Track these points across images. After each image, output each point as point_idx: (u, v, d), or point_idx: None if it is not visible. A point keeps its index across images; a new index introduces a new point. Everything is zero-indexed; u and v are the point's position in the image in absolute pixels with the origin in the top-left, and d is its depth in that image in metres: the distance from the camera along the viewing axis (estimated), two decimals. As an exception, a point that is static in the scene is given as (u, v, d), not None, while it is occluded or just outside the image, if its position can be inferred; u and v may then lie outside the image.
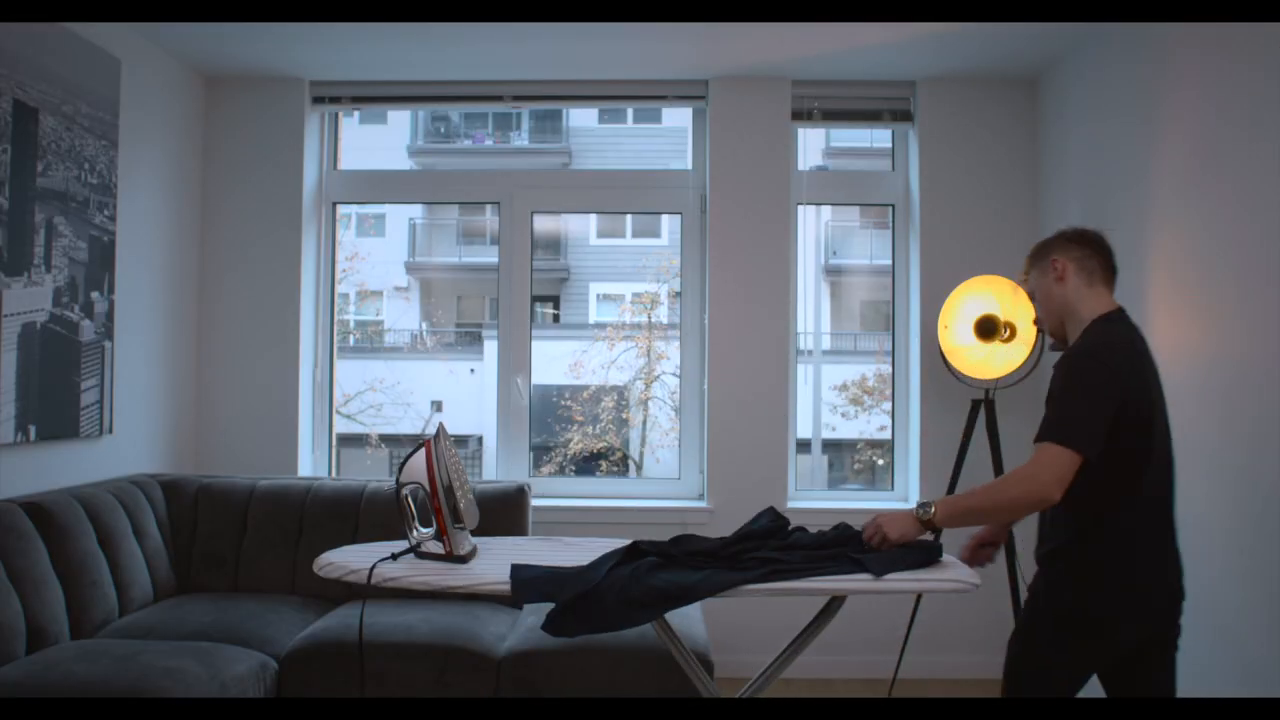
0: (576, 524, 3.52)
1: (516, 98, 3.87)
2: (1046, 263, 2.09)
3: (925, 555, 1.96)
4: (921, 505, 1.95)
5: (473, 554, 2.01)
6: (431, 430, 2.01)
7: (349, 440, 6.27)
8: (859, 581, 1.84)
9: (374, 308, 7.89)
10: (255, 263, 3.74)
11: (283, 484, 3.28)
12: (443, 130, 8.14)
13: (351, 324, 7.53)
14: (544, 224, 4.02)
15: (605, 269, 8.06)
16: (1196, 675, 2.63)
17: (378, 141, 7.29)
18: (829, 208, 4.46)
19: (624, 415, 5.33)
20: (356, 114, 4.21)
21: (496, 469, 3.90)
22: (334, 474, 3.96)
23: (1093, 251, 2.09)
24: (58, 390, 2.89)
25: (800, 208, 3.87)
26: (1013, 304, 3.21)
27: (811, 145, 4.16)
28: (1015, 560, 3.23)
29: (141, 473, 3.32)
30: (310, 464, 3.84)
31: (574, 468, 5.02)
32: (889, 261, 3.95)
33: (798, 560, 1.92)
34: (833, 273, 6.52)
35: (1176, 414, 2.73)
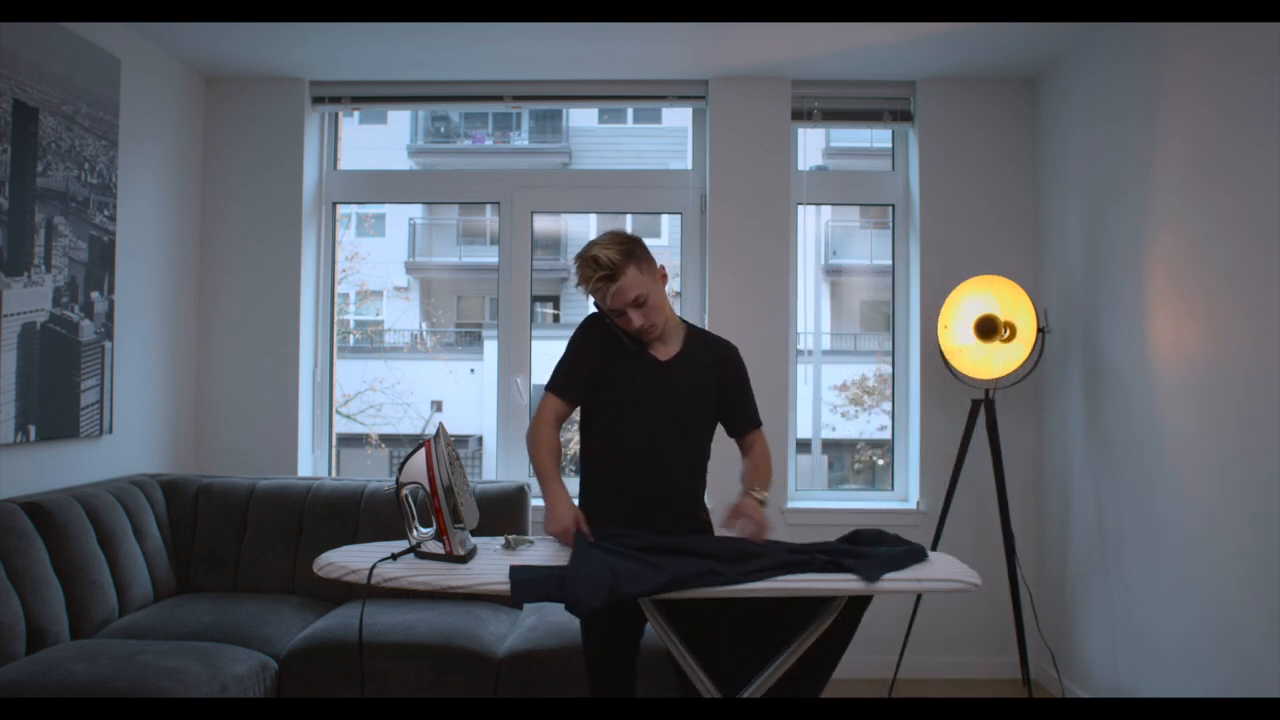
0: (576, 524, 3.52)
1: (516, 98, 3.87)
2: (655, 270, 2.23)
3: (913, 556, 1.95)
4: (755, 490, 2.21)
5: (473, 554, 2.01)
6: (431, 430, 2.01)
7: (349, 440, 6.27)
8: (857, 582, 1.84)
9: (374, 308, 7.89)
10: (255, 263, 3.74)
11: (283, 484, 3.28)
12: (443, 130, 8.14)
13: (351, 324, 7.53)
14: (544, 224, 4.02)
15: (605, 269, 8.04)
16: (1197, 675, 2.63)
17: (378, 141, 7.29)
18: (829, 208, 4.47)
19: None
20: (356, 114, 4.20)
21: (496, 469, 3.90)
22: (334, 474, 3.96)
23: None
24: (58, 390, 2.89)
25: (800, 208, 3.87)
26: (1013, 304, 3.21)
27: (811, 145, 4.16)
28: (1015, 560, 3.23)
29: (141, 473, 3.32)
30: (310, 464, 3.84)
31: (574, 468, 5.01)
32: (889, 261, 3.95)
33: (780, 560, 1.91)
34: (833, 273, 6.53)
35: (1175, 414, 2.74)
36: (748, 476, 2.29)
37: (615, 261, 2.12)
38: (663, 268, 2.26)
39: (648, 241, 2.28)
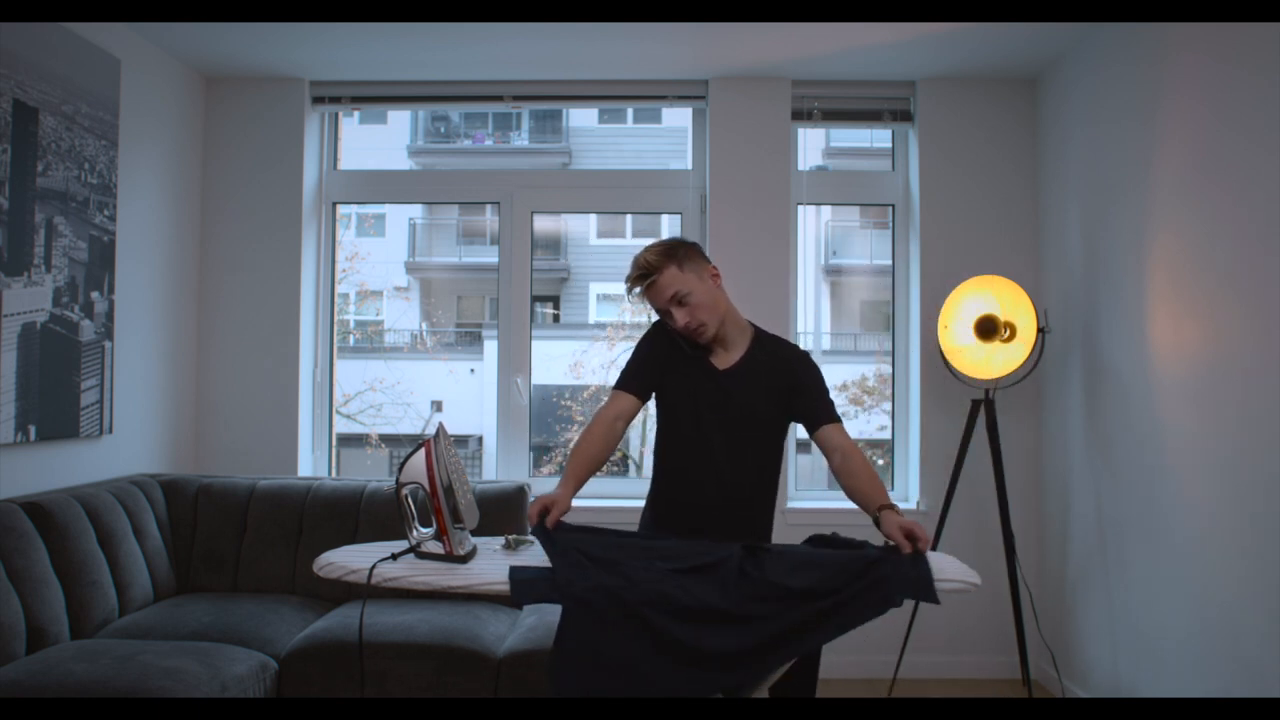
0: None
1: (516, 98, 3.87)
2: (703, 270, 2.20)
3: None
4: (891, 507, 2.01)
5: (473, 554, 2.01)
6: (431, 430, 2.00)
7: (349, 440, 6.27)
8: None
9: (374, 308, 7.89)
10: (255, 263, 3.74)
11: (283, 484, 3.28)
12: (443, 130, 8.14)
13: (351, 324, 7.52)
14: (544, 224, 4.02)
15: (605, 269, 8.07)
16: (1197, 675, 2.63)
17: (378, 141, 7.29)
18: (829, 208, 4.47)
19: (624, 415, 5.34)
20: (356, 114, 4.21)
21: (496, 469, 3.90)
22: (334, 474, 3.96)
23: None
24: (58, 390, 2.89)
25: (800, 208, 3.87)
26: (1013, 304, 3.20)
27: (811, 145, 4.16)
28: (1015, 560, 3.23)
29: (141, 473, 3.32)
30: (310, 464, 3.84)
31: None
32: (889, 261, 3.95)
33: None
34: (833, 273, 6.53)
35: (1175, 414, 2.74)
36: (867, 495, 2.07)
37: (651, 262, 2.14)
38: (714, 269, 2.22)
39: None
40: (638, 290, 2.18)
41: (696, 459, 2.21)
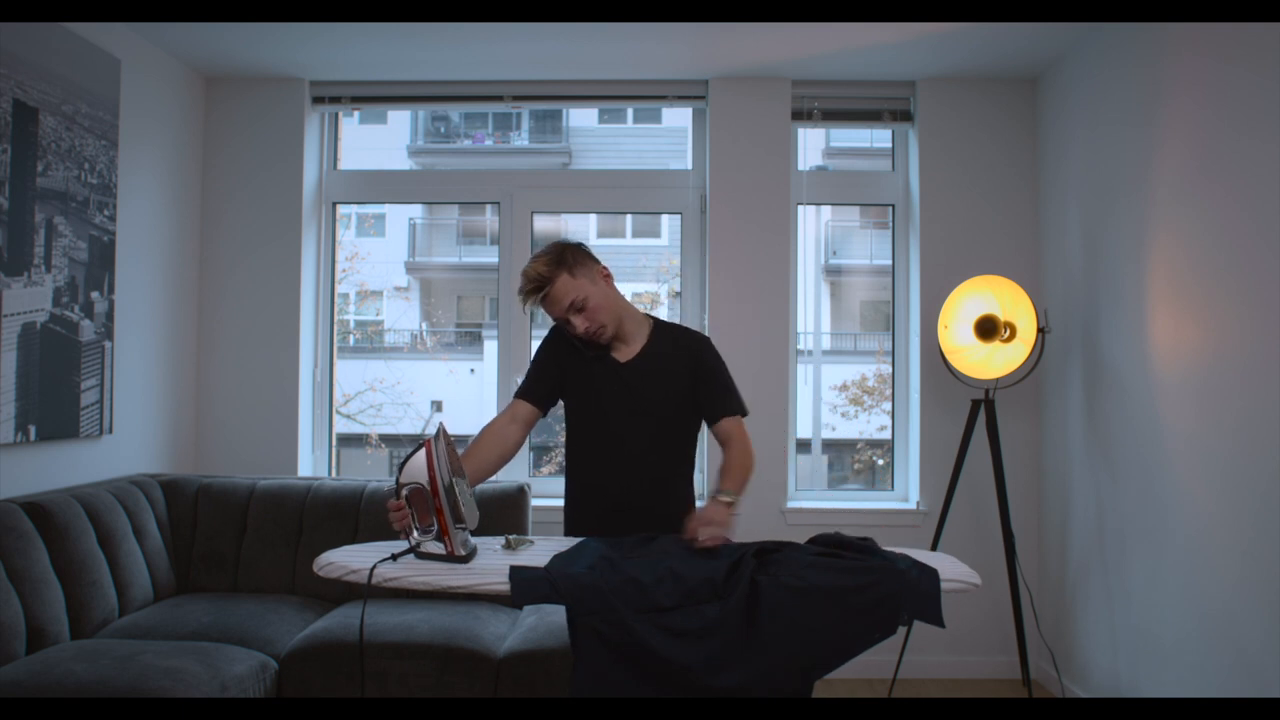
0: (576, 524, 3.52)
1: (516, 98, 3.87)
2: (594, 272, 2.20)
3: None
4: (724, 493, 2.06)
5: (473, 554, 2.00)
6: (431, 430, 2.00)
7: (349, 440, 6.26)
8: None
9: (374, 308, 7.88)
10: (255, 263, 3.74)
11: (283, 484, 3.28)
12: (443, 130, 8.12)
13: (351, 324, 7.51)
14: (544, 224, 4.02)
15: (604, 269, 8.04)
16: (1197, 675, 2.63)
17: (378, 141, 7.28)
18: (829, 208, 4.46)
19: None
20: (356, 114, 4.20)
21: (496, 469, 3.89)
22: (334, 474, 3.96)
23: None
24: (58, 390, 2.89)
25: (800, 208, 3.87)
26: (1013, 304, 3.20)
27: (811, 145, 4.16)
28: (1015, 560, 3.23)
29: (141, 473, 3.32)
30: (310, 464, 3.84)
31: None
32: (889, 261, 3.95)
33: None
34: (833, 273, 6.52)
35: (1175, 414, 2.74)
36: (719, 477, 2.17)
37: (541, 274, 2.14)
38: (604, 268, 2.22)
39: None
40: (532, 303, 2.17)
41: (605, 452, 2.23)
